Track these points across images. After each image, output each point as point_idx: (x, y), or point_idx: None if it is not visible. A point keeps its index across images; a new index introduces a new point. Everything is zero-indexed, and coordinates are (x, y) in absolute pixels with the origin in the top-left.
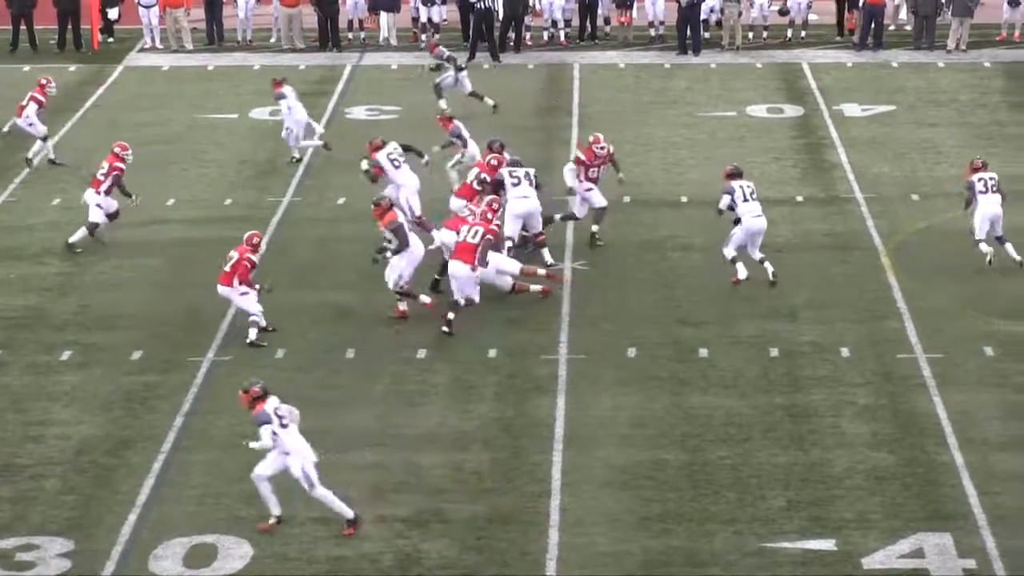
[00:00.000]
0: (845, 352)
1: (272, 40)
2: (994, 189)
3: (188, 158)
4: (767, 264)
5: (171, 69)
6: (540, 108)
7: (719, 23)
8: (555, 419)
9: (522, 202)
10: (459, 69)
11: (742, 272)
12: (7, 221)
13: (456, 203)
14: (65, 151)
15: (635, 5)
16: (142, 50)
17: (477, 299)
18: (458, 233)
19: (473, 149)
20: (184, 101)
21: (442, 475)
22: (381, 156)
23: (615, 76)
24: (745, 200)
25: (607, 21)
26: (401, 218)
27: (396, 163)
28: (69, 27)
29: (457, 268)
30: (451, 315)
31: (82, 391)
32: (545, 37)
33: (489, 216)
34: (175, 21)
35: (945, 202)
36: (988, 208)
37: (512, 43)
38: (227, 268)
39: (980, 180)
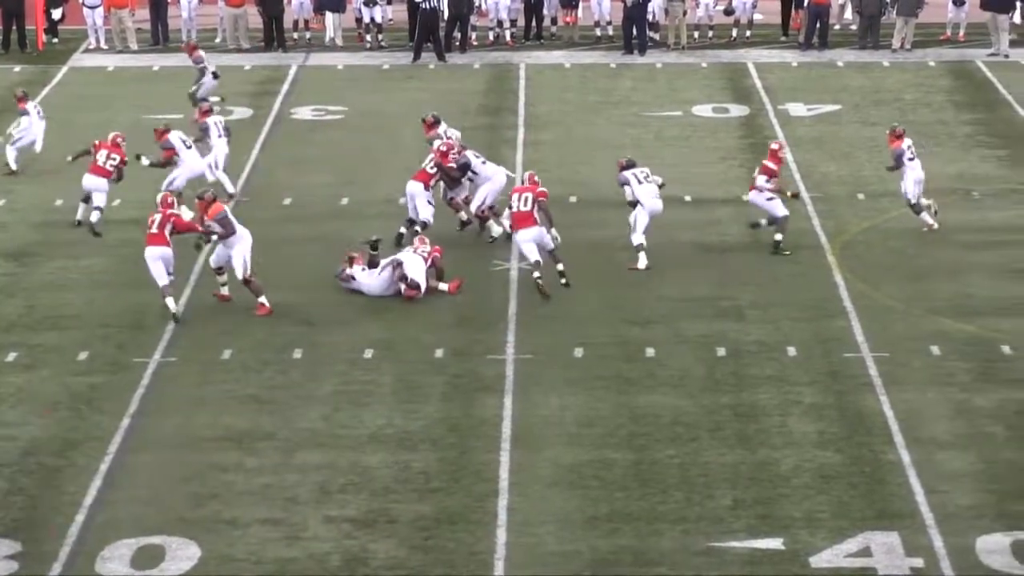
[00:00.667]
0: (792, 351)
1: (217, 40)
2: (915, 155)
3: (133, 158)
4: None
5: (116, 69)
6: (485, 108)
7: (655, 24)
8: (502, 419)
9: (500, 177)
10: (215, 76)
11: (642, 262)
12: None
13: (414, 186)
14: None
15: (580, 5)
16: (87, 51)
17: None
18: (511, 206)
19: (219, 147)
20: (129, 101)
21: (389, 475)
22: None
23: (561, 76)
24: (640, 183)
25: (553, 21)
26: (227, 208)
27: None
28: (13, 27)
29: (524, 234)
30: (538, 275)
31: (28, 392)
32: (491, 37)
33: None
34: (119, 21)
35: (891, 201)
36: (917, 173)
37: (457, 43)
38: (155, 229)
39: (909, 147)
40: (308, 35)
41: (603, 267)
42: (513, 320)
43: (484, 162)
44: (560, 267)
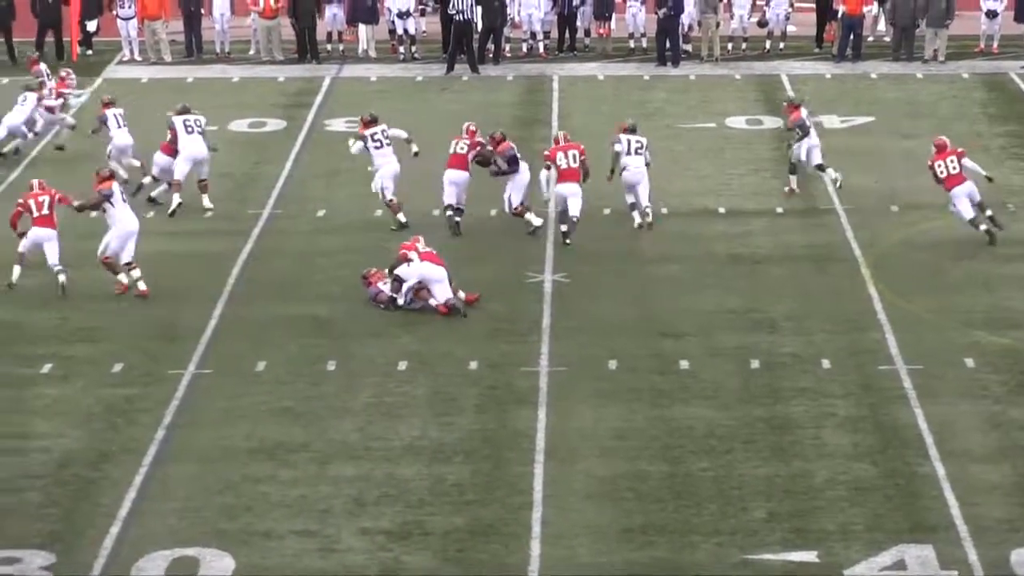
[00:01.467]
0: (826, 364)
1: (251, 52)
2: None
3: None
4: (649, 214)
5: (150, 81)
6: (519, 120)
7: (689, 29)
8: (536, 431)
9: (526, 174)
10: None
11: (638, 219)
12: None
13: (456, 175)
14: (46, 162)
15: (614, 17)
16: (121, 62)
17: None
18: (556, 164)
19: (120, 136)
20: (163, 113)
21: (423, 487)
22: (366, 134)
23: (594, 88)
24: (628, 154)
25: (587, 33)
26: (116, 189)
27: (378, 144)
28: (49, 38)
29: (567, 188)
30: (564, 228)
31: (63, 404)
32: (524, 49)
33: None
34: (153, 33)
35: (925, 213)
36: (813, 140)
37: (491, 55)
38: (45, 211)
39: (806, 117)
40: (341, 47)
41: (636, 279)
42: (547, 332)
43: (518, 168)
44: (566, 230)
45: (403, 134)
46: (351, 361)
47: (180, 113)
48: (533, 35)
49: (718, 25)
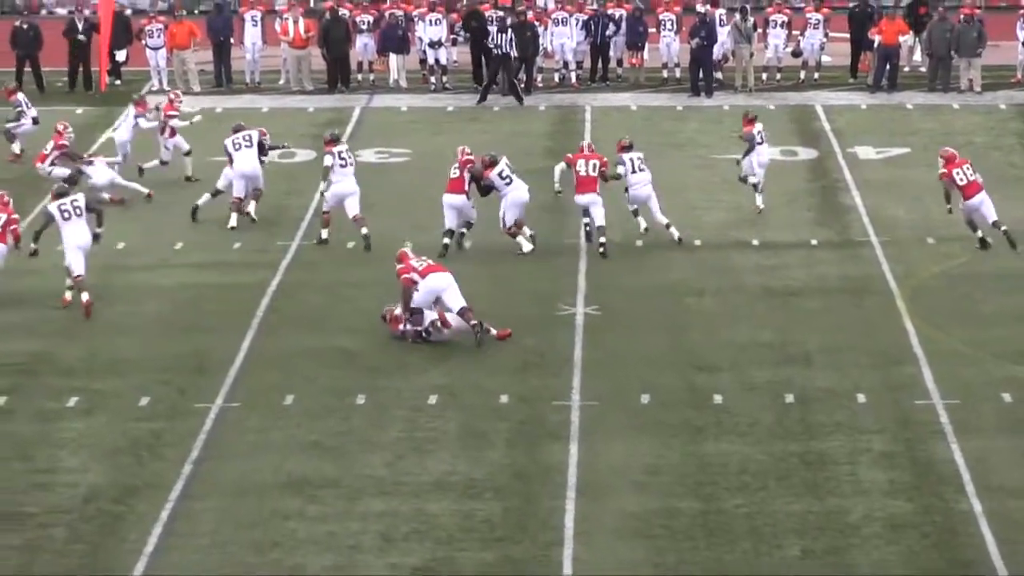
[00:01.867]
0: (861, 398)
1: (281, 82)
2: (764, 140)
3: (196, 201)
4: (672, 229)
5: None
6: (550, 150)
7: (724, 59)
8: (568, 466)
9: (521, 191)
10: (35, 122)
11: (642, 224)
12: (13, 264)
13: (454, 199)
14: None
15: (646, 47)
16: (149, 92)
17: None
18: (575, 170)
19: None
20: (192, 144)
21: (453, 523)
22: (333, 151)
23: (627, 118)
24: (634, 172)
25: (619, 63)
26: (56, 209)
27: (343, 163)
28: (80, 68)
29: (585, 198)
30: (603, 240)
31: (89, 438)
32: (556, 79)
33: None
34: (182, 63)
35: (962, 246)
36: (763, 157)
37: (523, 85)
38: None
39: (759, 132)
40: (372, 77)
41: (668, 312)
42: (578, 366)
43: (510, 181)
44: (603, 240)
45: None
46: (380, 395)
47: (233, 132)
48: (565, 65)
49: (752, 55)
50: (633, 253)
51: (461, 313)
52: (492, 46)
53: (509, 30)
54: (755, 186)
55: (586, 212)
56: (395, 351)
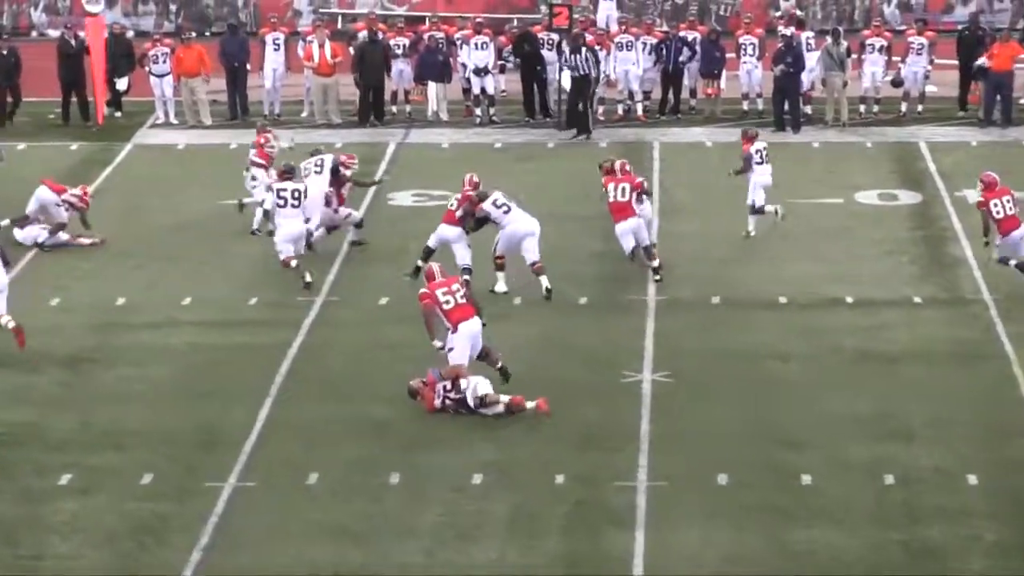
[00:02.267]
0: (972, 479)
1: (304, 114)
2: (764, 160)
3: (207, 250)
4: (656, 256)
5: (187, 148)
6: None
7: (812, 89)
8: (633, 556)
9: (526, 223)
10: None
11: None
12: None
13: (448, 230)
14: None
15: (724, 74)
16: (154, 125)
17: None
18: (609, 196)
19: None
20: (202, 184)
21: None
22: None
23: (701, 157)
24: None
25: (692, 93)
26: None
27: (283, 202)
28: (73, 99)
29: (625, 225)
30: (657, 263)
31: (84, 521)
32: (620, 111)
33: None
34: (191, 92)
35: None
36: (764, 178)
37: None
38: None
39: (758, 152)
40: (408, 108)
41: (749, 379)
42: (645, 440)
43: (508, 210)
44: (656, 263)
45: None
46: (417, 472)
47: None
48: (631, 95)
49: (845, 84)
50: (708, 311)
51: (485, 352)
52: (570, 68)
53: (584, 49)
54: (757, 208)
55: (628, 239)
56: (433, 422)
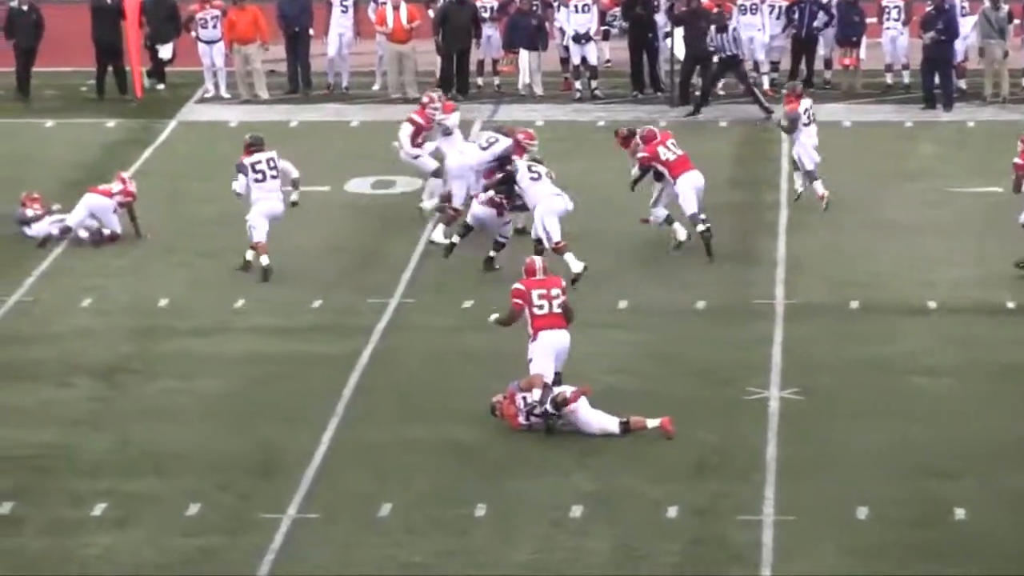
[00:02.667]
0: None
1: (376, 87)
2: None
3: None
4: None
5: (241, 125)
6: (736, 181)
7: (964, 62)
8: None
9: (557, 200)
10: None
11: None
12: (21, 329)
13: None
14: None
15: (864, 42)
16: (202, 100)
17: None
18: (660, 159)
19: None
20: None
21: None
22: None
23: (838, 138)
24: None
25: (827, 64)
26: None
27: (260, 176)
28: (109, 69)
29: (687, 180)
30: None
31: (120, 557)
32: (765, 84)
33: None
34: (246, 61)
35: None
36: (813, 139)
37: (698, 92)
38: None
39: (806, 111)
40: (497, 80)
41: (893, 396)
42: (772, 468)
43: (538, 178)
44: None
45: (293, 172)
46: (506, 503)
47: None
48: (755, 66)
49: (1006, 55)
50: (845, 316)
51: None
52: (712, 48)
53: (731, 29)
54: (809, 173)
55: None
56: (525, 445)
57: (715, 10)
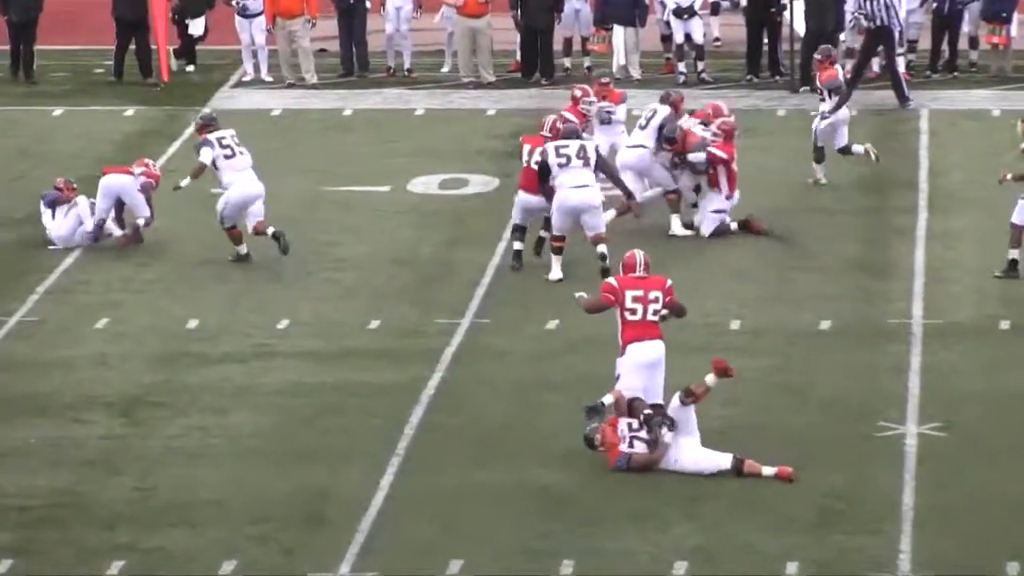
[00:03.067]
0: None
1: (444, 69)
2: None
3: (311, 254)
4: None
5: (285, 114)
6: (865, 179)
7: None
8: None
9: (576, 192)
10: None
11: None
12: (24, 356)
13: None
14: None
15: (1015, 18)
16: (240, 84)
17: None
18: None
19: None
20: (305, 165)
21: None
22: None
23: (985, 129)
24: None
25: (972, 43)
26: None
27: (229, 151)
28: (132, 47)
29: None
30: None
31: None
32: (875, 67)
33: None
34: (290, 39)
35: None
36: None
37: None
38: None
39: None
40: (587, 61)
41: None
42: (908, 517)
43: (567, 163)
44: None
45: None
46: (598, 559)
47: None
48: None
49: None
50: (995, 339)
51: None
52: (861, 15)
53: None
54: (844, 150)
55: None
56: (618, 490)
57: None
